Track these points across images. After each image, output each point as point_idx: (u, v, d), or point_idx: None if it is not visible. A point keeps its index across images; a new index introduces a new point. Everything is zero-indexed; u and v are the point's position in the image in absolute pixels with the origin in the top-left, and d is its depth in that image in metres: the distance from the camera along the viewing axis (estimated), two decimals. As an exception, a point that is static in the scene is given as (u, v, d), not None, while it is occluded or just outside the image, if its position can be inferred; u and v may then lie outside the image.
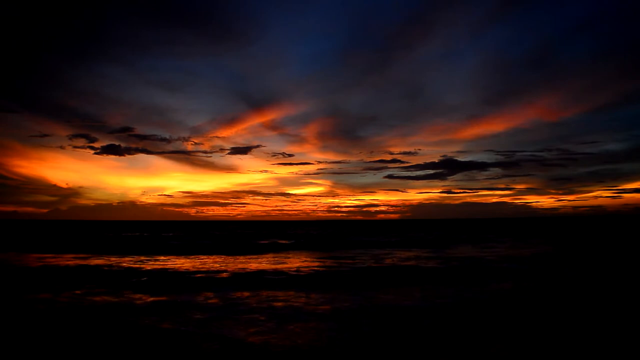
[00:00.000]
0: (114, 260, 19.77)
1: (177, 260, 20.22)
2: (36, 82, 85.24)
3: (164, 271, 15.66)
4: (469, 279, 13.36)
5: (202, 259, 20.72)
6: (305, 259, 20.97)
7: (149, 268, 16.66)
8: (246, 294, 10.94)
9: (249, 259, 20.92)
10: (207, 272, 15.11)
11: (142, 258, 20.99)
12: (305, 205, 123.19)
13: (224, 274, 14.37)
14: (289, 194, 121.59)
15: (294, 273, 14.61)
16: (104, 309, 9.24)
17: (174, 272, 15.40)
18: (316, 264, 18.08)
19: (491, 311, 8.75)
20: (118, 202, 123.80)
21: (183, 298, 10.46)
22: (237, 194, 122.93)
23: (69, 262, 18.21)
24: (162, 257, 21.42)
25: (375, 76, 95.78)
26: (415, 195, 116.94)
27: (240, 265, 17.34)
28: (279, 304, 9.63)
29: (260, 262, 18.97)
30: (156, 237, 41.87)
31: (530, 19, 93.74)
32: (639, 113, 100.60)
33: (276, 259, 21.11)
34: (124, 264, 17.97)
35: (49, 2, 69.21)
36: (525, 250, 24.83)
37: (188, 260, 20.10)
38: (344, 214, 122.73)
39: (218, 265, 17.72)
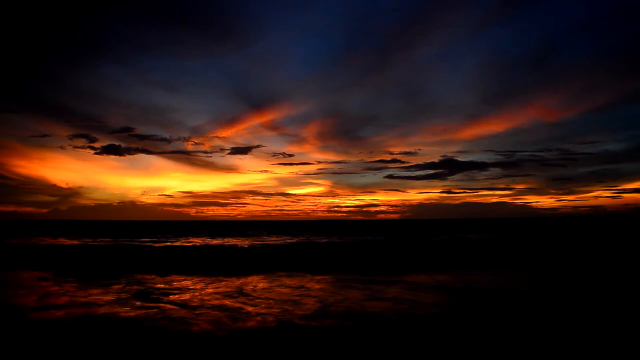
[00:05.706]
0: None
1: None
2: (36, 82, 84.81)
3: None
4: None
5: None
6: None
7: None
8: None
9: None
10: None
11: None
12: (305, 205, 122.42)
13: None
14: (289, 194, 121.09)
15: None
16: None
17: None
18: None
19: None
20: (118, 202, 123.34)
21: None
22: (237, 194, 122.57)
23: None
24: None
25: (375, 76, 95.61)
26: (415, 195, 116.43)
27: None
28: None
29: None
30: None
31: (530, 19, 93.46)
32: (639, 113, 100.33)
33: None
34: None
35: (49, 3, 69.10)
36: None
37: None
38: (344, 214, 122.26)
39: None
